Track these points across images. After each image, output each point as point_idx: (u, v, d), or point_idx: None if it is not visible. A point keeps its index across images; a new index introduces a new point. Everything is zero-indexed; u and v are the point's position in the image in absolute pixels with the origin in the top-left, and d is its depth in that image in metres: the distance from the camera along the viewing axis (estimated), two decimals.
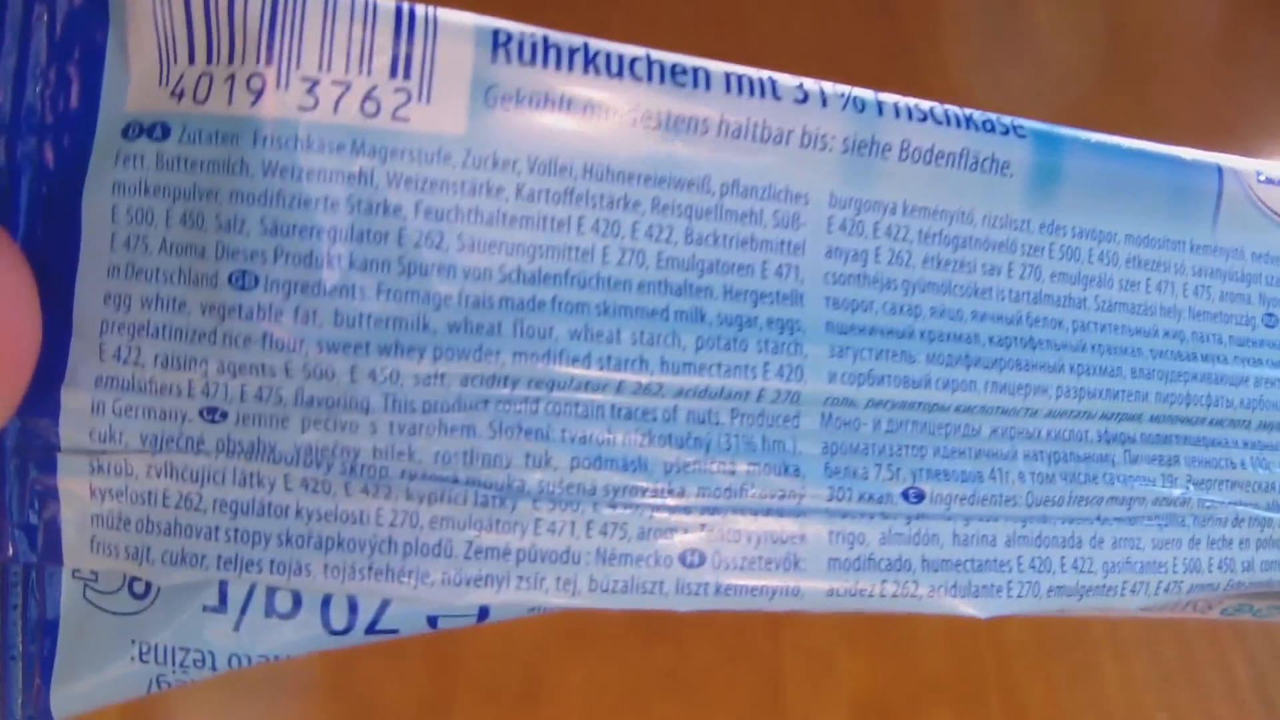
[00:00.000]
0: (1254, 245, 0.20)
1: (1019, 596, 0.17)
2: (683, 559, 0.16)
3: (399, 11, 0.15)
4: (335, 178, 0.15)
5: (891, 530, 0.17)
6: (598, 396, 0.16)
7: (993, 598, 0.17)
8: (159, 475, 0.15)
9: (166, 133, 0.15)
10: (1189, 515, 0.18)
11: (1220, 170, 0.19)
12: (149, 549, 0.15)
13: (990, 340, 0.18)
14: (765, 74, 0.17)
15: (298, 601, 0.15)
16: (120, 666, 0.15)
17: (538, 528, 0.15)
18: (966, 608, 0.17)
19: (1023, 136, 0.18)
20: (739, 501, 0.16)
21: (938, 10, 0.50)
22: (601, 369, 0.16)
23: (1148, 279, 0.19)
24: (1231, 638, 0.32)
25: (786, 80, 0.17)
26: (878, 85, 0.18)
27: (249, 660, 0.15)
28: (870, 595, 0.17)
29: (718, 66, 0.16)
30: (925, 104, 0.17)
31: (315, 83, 0.15)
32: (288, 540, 0.15)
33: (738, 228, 0.16)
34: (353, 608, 0.16)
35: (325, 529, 0.15)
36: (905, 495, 0.17)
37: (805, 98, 0.17)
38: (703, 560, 0.16)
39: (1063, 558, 0.18)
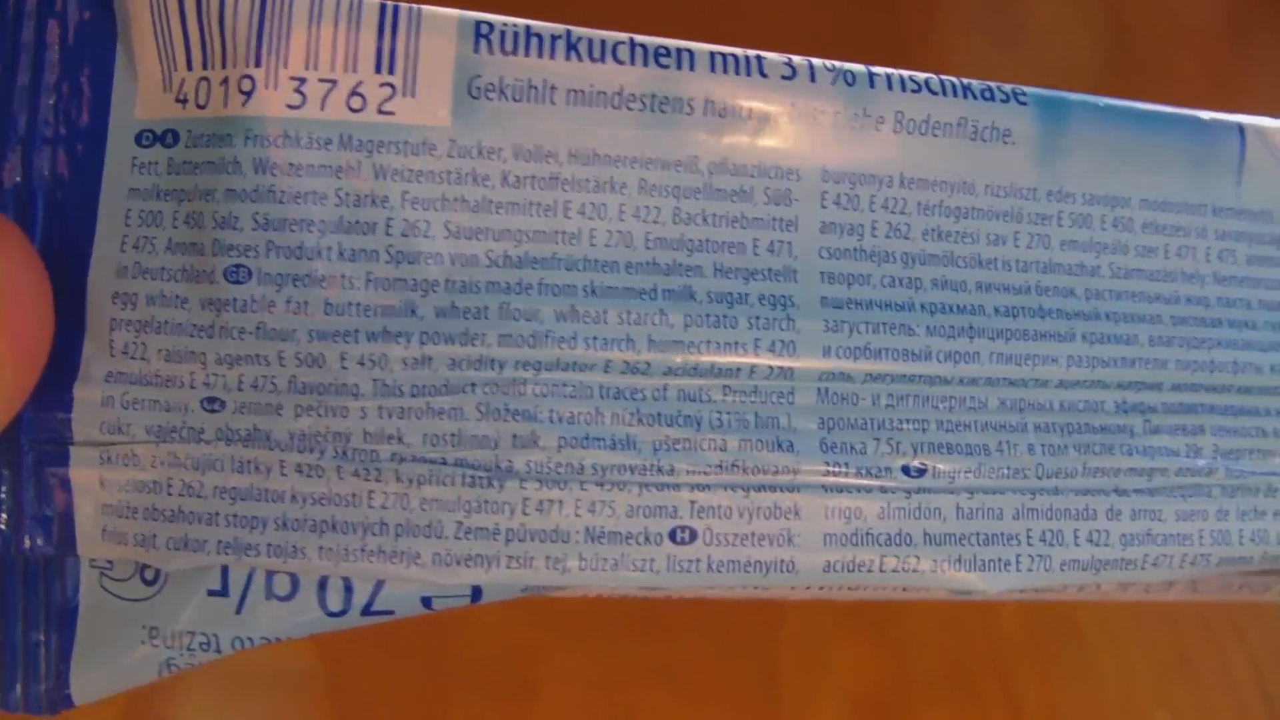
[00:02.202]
0: None
1: (1029, 570, 0.17)
2: (673, 536, 0.16)
3: (383, 8, 0.16)
4: (323, 172, 0.16)
5: (891, 505, 0.16)
6: (585, 377, 0.16)
7: (1000, 572, 0.17)
8: (163, 465, 0.16)
9: (176, 138, 0.16)
10: (1216, 486, 0.18)
11: (1242, 130, 0.19)
12: (155, 536, 0.16)
13: (996, 311, 0.17)
14: (752, 52, 0.17)
15: (295, 584, 0.16)
16: (133, 651, 0.16)
17: (526, 507, 0.16)
18: (971, 581, 0.17)
19: (1024, 103, 0.18)
20: (730, 478, 0.16)
21: (937, 7, 0.50)
22: (588, 349, 0.16)
23: (1166, 244, 0.18)
24: (1230, 633, 0.31)
25: (774, 57, 0.17)
26: None
27: (251, 642, 0.16)
28: (869, 570, 0.16)
29: (702, 47, 0.16)
30: (920, 75, 0.17)
31: (303, 81, 0.16)
32: (284, 524, 0.16)
33: (728, 206, 0.16)
34: (348, 589, 0.16)
35: (319, 512, 0.15)
36: (906, 470, 0.17)
37: (793, 74, 0.17)
38: (694, 537, 0.16)
39: (1076, 530, 0.17)
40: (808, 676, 0.29)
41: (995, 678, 0.29)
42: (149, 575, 0.16)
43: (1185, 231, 0.18)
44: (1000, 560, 0.17)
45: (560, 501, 0.16)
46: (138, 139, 0.16)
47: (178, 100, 0.16)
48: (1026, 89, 0.18)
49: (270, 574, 0.16)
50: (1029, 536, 0.17)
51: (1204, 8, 0.50)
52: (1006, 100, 0.17)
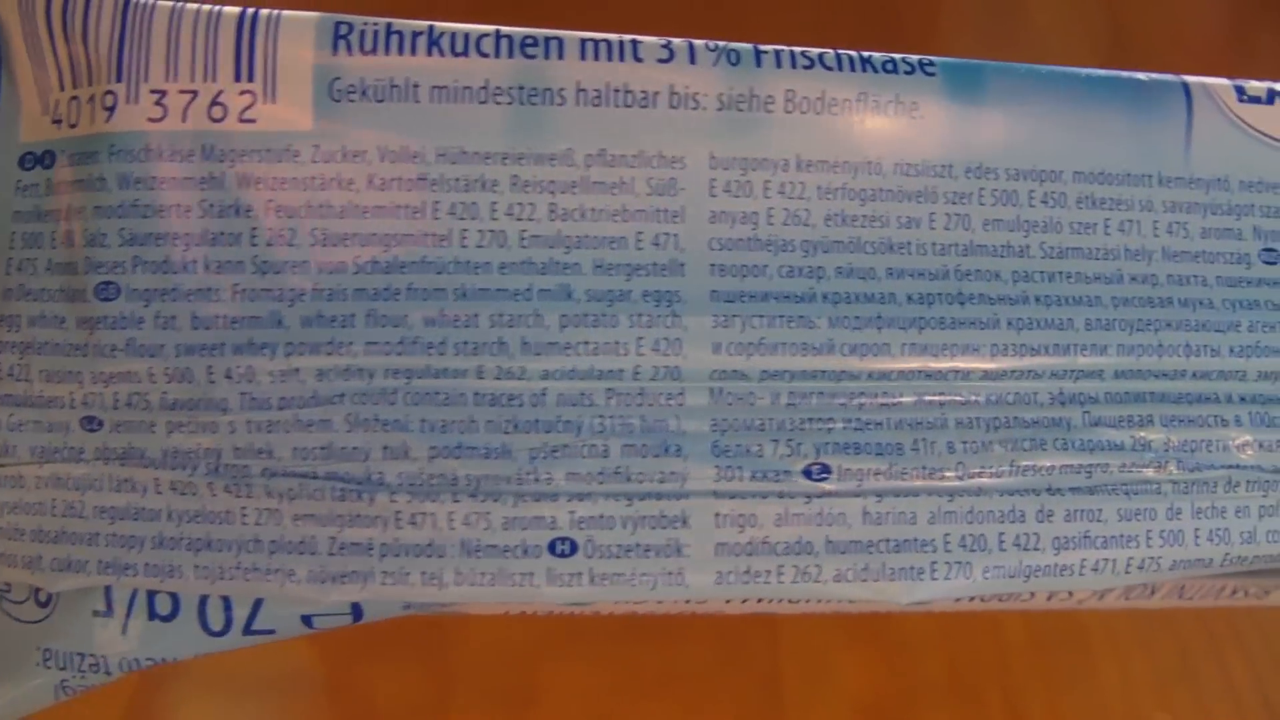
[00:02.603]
0: (1242, 173, 0.17)
1: (947, 579, 0.16)
2: (552, 548, 0.15)
3: (241, 16, 0.15)
4: (187, 184, 0.15)
5: (789, 510, 0.15)
6: (457, 383, 0.15)
7: (913, 581, 0.16)
8: (47, 486, 0.16)
9: (53, 159, 0.16)
10: (1166, 482, 0.16)
11: (1188, 90, 0.17)
12: (40, 557, 0.16)
13: (909, 299, 0.16)
14: (627, 37, 0.16)
15: (176, 604, 0.16)
16: (32, 674, 0.16)
17: (399, 521, 0.15)
18: (880, 592, 0.16)
19: (931, 74, 0.16)
20: (612, 486, 0.15)
21: (937, 8, 0.49)
22: (457, 354, 0.15)
23: (1106, 219, 0.17)
24: (1229, 637, 0.29)
25: (650, 40, 0.16)
26: None
27: (138, 664, 0.16)
28: (766, 580, 0.15)
29: (572, 34, 0.16)
30: (814, 50, 0.16)
31: (163, 94, 0.15)
32: (160, 543, 0.15)
33: (607, 199, 0.16)
34: (228, 608, 0.16)
35: (194, 530, 0.15)
36: (807, 472, 0.16)
37: (671, 56, 0.16)
38: (574, 549, 0.15)
39: (1001, 534, 0.16)
40: (810, 684, 0.28)
41: (997, 684, 0.28)
42: (41, 597, 0.16)
43: (1128, 205, 0.17)
44: (913, 569, 0.16)
45: (433, 514, 0.15)
46: (20, 162, 0.16)
47: (54, 121, 0.16)
48: (936, 58, 0.16)
49: (151, 594, 0.16)
50: (946, 542, 0.16)
51: (1203, 9, 0.49)
52: (912, 71, 0.16)
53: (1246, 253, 0.17)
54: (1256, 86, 0.18)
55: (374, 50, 0.15)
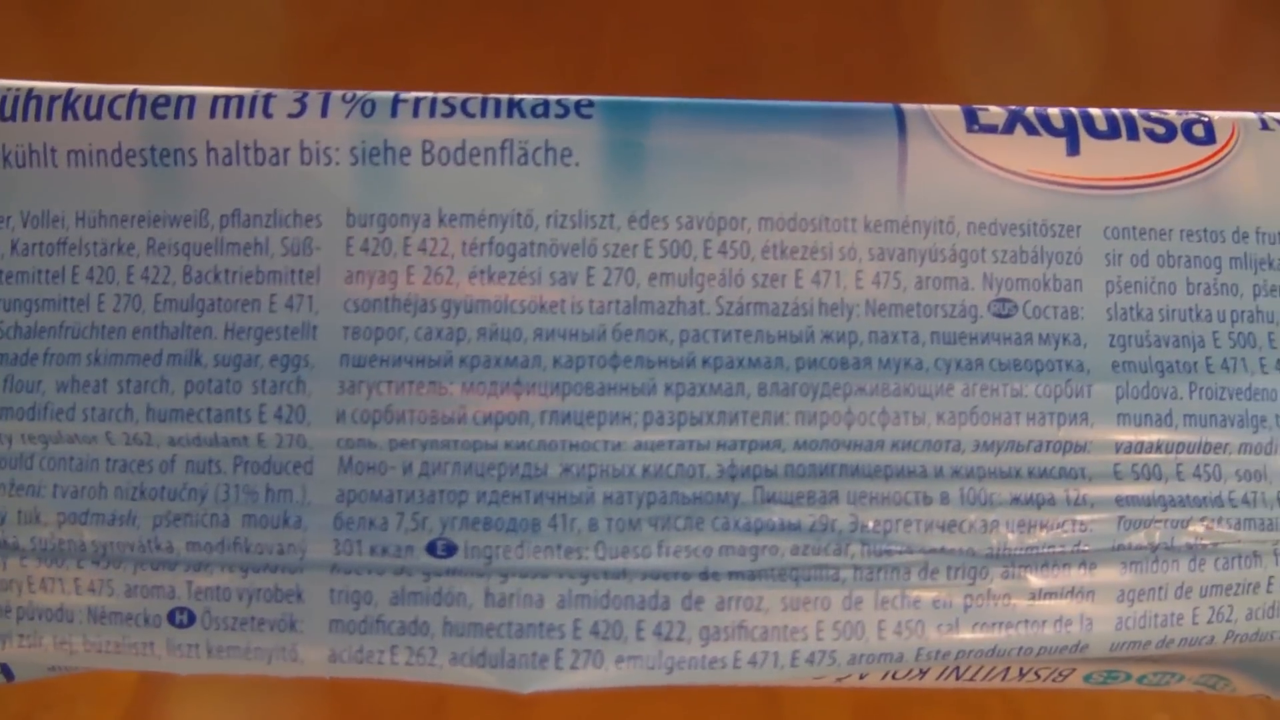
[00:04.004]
0: (970, 213, 0.15)
1: (574, 668, 0.15)
2: (171, 618, 0.15)
3: None
4: None
5: (405, 589, 0.15)
6: (89, 449, 0.15)
7: (534, 669, 0.15)
8: None
9: None
10: (847, 567, 0.15)
11: (902, 118, 0.15)
12: None
13: (556, 362, 0.15)
14: (264, 91, 0.15)
15: None
16: None
17: (31, 585, 0.15)
18: (501, 679, 0.15)
19: (587, 116, 0.15)
20: (230, 556, 0.15)
21: (938, 10, 0.46)
22: (87, 420, 0.15)
23: (798, 270, 0.15)
24: None
25: (283, 94, 0.15)
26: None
27: None
28: (379, 661, 0.15)
29: (204, 91, 0.15)
30: (459, 96, 0.15)
31: None
32: None
33: (241, 260, 0.15)
34: None
35: None
36: (431, 548, 0.15)
37: (302, 110, 0.15)
38: (192, 619, 0.15)
39: (640, 622, 0.15)
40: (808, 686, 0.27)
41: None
42: None
43: (825, 253, 0.15)
44: (536, 656, 0.15)
45: (61, 579, 0.15)
46: None
47: None
48: (595, 98, 0.15)
49: None
50: (576, 628, 0.15)
51: (1203, 8, 0.45)
52: (565, 114, 0.15)
53: (973, 304, 0.15)
54: (992, 113, 0.15)
55: (14, 117, 0.15)
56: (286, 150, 0.15)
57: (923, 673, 0.16)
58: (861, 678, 0.16)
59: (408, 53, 0.47)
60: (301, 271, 0.15)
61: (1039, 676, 0.17)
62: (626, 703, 0.27)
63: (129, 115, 0.15)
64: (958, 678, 0.17)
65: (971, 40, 0.43)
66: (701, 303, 0.15)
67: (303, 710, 0.30)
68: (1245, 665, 0.16)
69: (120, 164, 0.15)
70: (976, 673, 0.16)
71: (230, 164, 0.15)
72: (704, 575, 0.15)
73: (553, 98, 0.15)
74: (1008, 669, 0.17)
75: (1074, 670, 0.17)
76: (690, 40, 0.47)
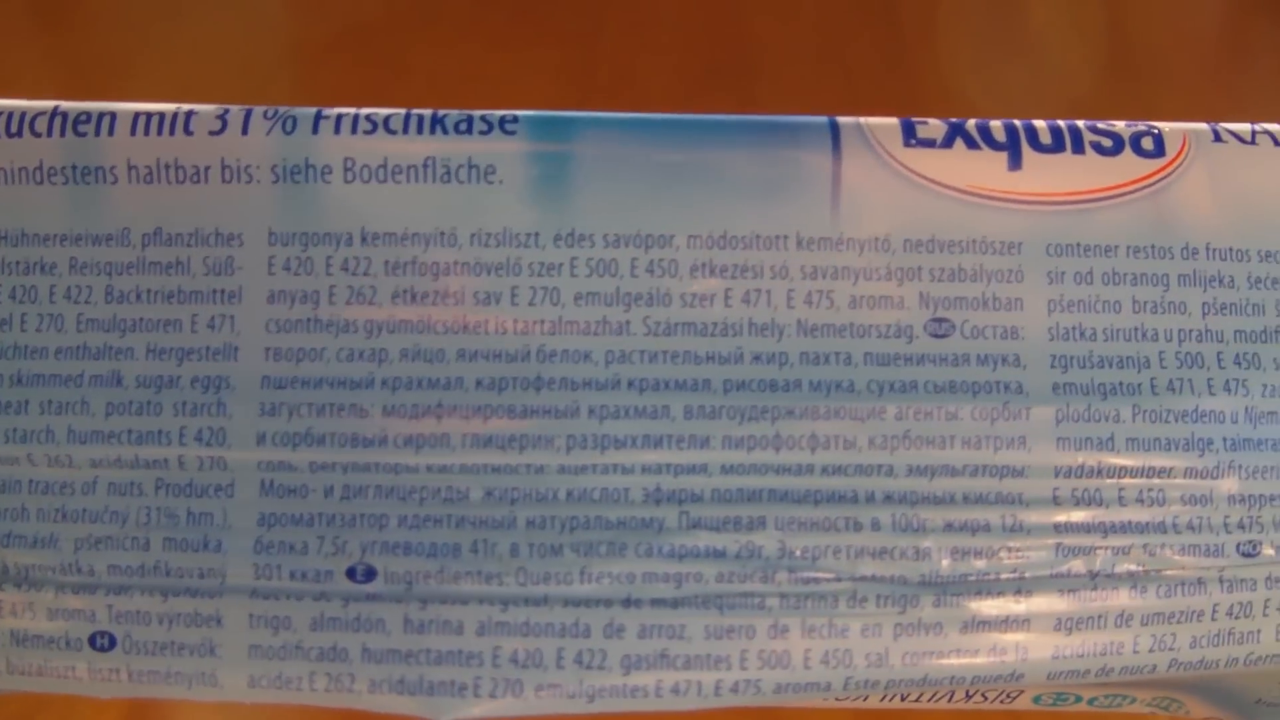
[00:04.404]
0: (907, 230, 0.15)
1: (494, 697, 0.14)
2: (93, 641, 0.15)
3: None
4: None
5: (325, 614, 0.14)
6: (11, 471, 0.15)
7: (453, 697, 0.14)
8: None
9: None
10: (773, 595, 0.14)
11: (836, 132, 0.15)
12: None
13: (478, 384, 0.15)
14: (185, 108, 0.15)
15: None
16: None
17: None
18: (420, 707, 0.14)
19: (511, 132, 0.15)
20: (150, 580, 0.15)
21: (938, 10, 0.46)
22: (7, 443, 0.15)
23: (727, 290, 0.15)
24: None
25: (204, 110, 0.15)
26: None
27: None
28: (298, 687, 0.14)
29: (125, 108, 0.15)
30: (383, 112, 0.15)
31: None
32: None
33: (163, 280, 0.15)
34: None
35: None
36: (351, 573, 0.14)
37: (223, 127, 0.15)
38: (113, 644, 0.15)
39: (561, 649, 0.14)
40: None
41: None
42: None
43: (756, 272, 0.15)
44: (455, 684, 0.14)
45: None
46: None
47: None
48: (520, 113, 0.15)
49: None
50: (496, 656, 0.14)
51: (1202, 8, 0.44)
52: (489, 130, 0.15)
53: (908, 324, 0.15)
54: (931, 126, 0.15)
55: None
56: (208, 168, 0.15)
57: (864, 697, 0.15)
58: (865, 696, 0.15)
59: (407, 53, 0.47)
60: (223, 291, 0.15)
61: (986, 698, 0.16)
62: None
63: (50, 133, 0.15)
64: (902, 699, 0.16)
65: (971, 40, 0.43)
66: (628, 323, 0.15)
67: (303, 710, 0.30)
68: (1196, 689, 0.16)
69: (42, 182, 0.15)
70: (920, 696, 0.16)
71: (151, 182, 0.15)
72: (626, 603, 0.14)
73: (477, 113, 0.15)
74: (952, 693, 0.16)
75: (1022, 693, 0.16)
76: (690, 40, 0.46)
